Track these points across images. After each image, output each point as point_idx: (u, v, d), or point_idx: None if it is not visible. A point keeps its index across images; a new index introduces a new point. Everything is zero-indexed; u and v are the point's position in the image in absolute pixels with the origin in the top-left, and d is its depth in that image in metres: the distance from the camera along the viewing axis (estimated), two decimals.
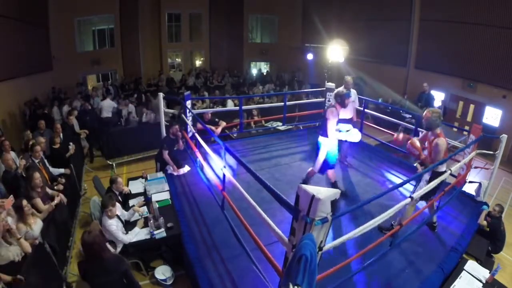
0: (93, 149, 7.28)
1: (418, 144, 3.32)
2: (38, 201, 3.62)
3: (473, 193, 4.51)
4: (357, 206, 2.24)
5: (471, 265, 3.20)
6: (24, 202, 3.19)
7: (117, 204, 3.64)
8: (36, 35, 9.96)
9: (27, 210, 3.20)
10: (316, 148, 4.13)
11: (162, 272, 3.48)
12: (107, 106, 7.90)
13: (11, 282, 2.49)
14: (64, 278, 3.37)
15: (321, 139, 4.00)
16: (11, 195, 3.01)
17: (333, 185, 4.35)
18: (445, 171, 3.29)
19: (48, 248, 3.18)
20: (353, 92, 5.13)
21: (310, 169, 4.24)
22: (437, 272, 3.02)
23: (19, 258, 2.79)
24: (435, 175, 3.29)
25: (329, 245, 2.04)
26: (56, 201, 3.86)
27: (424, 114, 3.30)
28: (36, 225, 3.29)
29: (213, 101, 9.55)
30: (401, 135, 3.67)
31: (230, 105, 8.67)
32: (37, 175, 3.74)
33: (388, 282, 2.90)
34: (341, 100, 3.89)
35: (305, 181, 4.30)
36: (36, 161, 4.53)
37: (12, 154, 4.59)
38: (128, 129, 7.40)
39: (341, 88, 3.99)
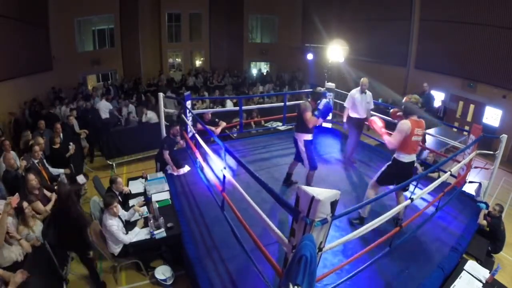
0: (94, 149, 7.28)
1: (381, 119, 3.48)
2: (38, 204, 3.62)
3: (473, 193, 4.51)
4: (357, 207, 2.24)
5: (471, 265, 3.20)
6: (25, 204, 3.19)
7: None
8: (36, 35, 9.97)
9: (28, 213, 3.21)
10: (296, 149, 4.11)
11: (162, 272, 3.49)
12: (104, 107, 7.90)
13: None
14: (65, 278, 3.38)
15: (298, 135, 4.01)
16: (17, 193, 3.01)
17: (288, 175, 4.49)
18: (408, 163, 3.23)
19: (49, 248, 3.19)
20: (369, 94, 5.15)
21: (306, 172, 4.15)
22: (437, 272, 3.02)
23: (22, 257, 2.80)
24: (394, 161, 3.32)
25: (329, 246, 2.05)
26: (52, 201, 3.87)
27: (403, 99, 3.37)
28: (37, 226, 3.30)
29: (213, 101, 9.56)
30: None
31: (230, 105, 8.67)
32: (31, 176, 3.72)
33: (388, 282, 2.90)
34: (317, 98, 3.95)
35: (309, 185, 4.28)
36: (36, 161, 4.53)
37: (12, 154, 4.60)
38: (128, 129, 7.40)
39: (319, 88, 4.06)
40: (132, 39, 12.92)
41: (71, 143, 5.67)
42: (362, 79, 5.14)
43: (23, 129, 6.49)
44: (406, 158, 3.25)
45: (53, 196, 3.96)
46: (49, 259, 3.14)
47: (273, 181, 4.67)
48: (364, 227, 2.24)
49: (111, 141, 6.74)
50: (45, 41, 10.59)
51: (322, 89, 4.06)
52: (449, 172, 3.48)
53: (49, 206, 3.77)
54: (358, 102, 5.08)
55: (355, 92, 5.14)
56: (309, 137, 4.01)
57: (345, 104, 5.26)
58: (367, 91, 5.12)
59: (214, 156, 3.82)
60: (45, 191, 4.01)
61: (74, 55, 11.68)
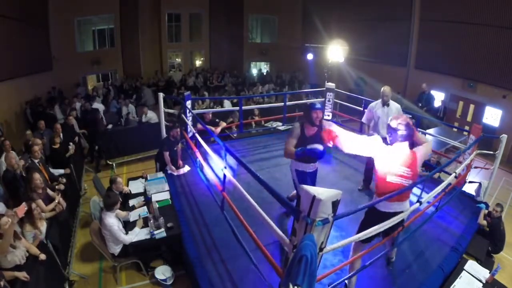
0: (94, 150, 7.27)
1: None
2: (40, 202, 3.62)
3: (473, 193, 4.51)
4: (358, 209, 2.23)
5: (471, 265, 3.20)
6: (33, 205, 3.20)
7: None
8: (36, 35, 9.96)
9: (36, 214, 3.21)
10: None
11: (162, 272, 3.48)
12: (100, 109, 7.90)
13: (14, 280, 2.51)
14: (67, 277, 3.38)
15: (291, 162, 3.30)
16: (24, 203, 3.02)
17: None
18: (385, 213, 2.40)
19: (51, 248, 3.19)
20: (395, 107, 4.09)
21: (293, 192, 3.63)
22: (437, 272, 3.02)
23: (24, 260, 2.81)
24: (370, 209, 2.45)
25: (330, 247, 2.04)
26: (56, 200, 3.87)
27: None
28: (43, 226, 3.32)
29: (213, 101, 9.56)
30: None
31: (228, 105, 8.67)
32: (36, 176, 3.73)
33: (388, 282, 2.90)
34: (306, 115, 3.04)
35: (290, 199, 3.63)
36: (36, 161, 4.52)
37: (13, 154, 4.59)
38: (128, 129, 7.39)
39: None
40: (132, 39, 12.90)
41: (71, 143, 5.67)
42: (382, 88, 4.11)
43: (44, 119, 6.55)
44: (381, 205, 2.39)
45: (56, 196, 3.96)
46: (52, 259, 3.15)
47: (274, 181, 4.66)
48: (367, 231, 2.23)
49: (111, 141, 6.75)
50: (45, 41, 10.57)
51: (315, 102, 3.18)
52: (454, 174, 3.46)
53: (51, 206, 3.77)
54: (378, 117, 4.14)
55: (374, 105, 4.20)
56: (301, 166, 3.18)
57: (363, 119, 4.41)
58: (391, 102, 4.12)
59: (214, 155, 3.82)
60: (48, 190, 4.01)
61: (74, 55, 11.66)
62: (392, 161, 2.29)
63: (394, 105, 4.15)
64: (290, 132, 3.09)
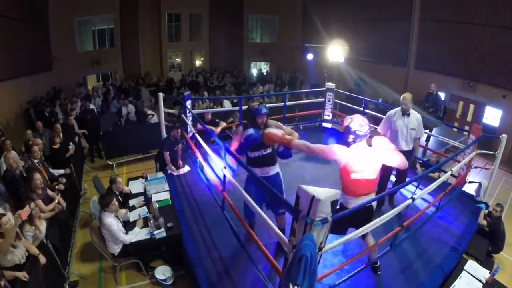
0: (93, 149, 7.28)
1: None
2: (40, 203, 3.62)
3: (473, 193, 4.51)
4: (357, 207, 2.24)
5: (471, 265, 3.21)
6: (32, 205, 3.20)
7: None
8: (36, 35, 9.95)
9: (35, 213, 3.21)
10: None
11: (162, 272, 3.49)
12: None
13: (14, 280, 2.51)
14: (67, 278, 3.38)
15: None
16: (27, 205, 3.03)
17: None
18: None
19: (51, 248, 3.19)
20: (415, 117, 3.72)
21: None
22: (437, 272, 3.02)
23: (24, 259, 2.82)
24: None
25: (329, 246, 2.04)
26: (56, 200, 3.87)
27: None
28: (42, 226, 3.32)
29: (213, 101, 9.56)
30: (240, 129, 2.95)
31: (227, 105, 8.66)
32: (37, 176, 3.74)
33: (388, 282, 2.90)
34: (250, 119, 2.91)
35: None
36: (36, 161, 4.52)
37: (13, 154, 4.59)
38: (128, 129, 7.40)
39: (254, 103, 2.93)
40: (132, 39, 12.89)
41: (71, 143, 5.67)
42: (403, 95, 3.74)
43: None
44: (351, 202, 2.54)
45: (56, 196, 3.96)
46: (52, 259, 3.15)
47: None
48: (363, 228, 2.23)
49: (111, 141, 6.75)
50: (45, 41, 10.57)
51: (256, 104, 2.92)
52: (450, 172, 3.47)
53: (51, 206, 3.77)
54: (397, 128, 3.78)
55: (393, 114, 3.83)
56: (256, 171, 2.85)
57: (378, 128, 4.01)
58: (412, 112, 3.75)
59: (214, 156, 3.82)
60: (48, 191, 4.01)
61: (74, 55, 11.65)
62: (357, 160, 2.49)
63: (415, 116, 3.75)
64: (236, 135, 2.95)
